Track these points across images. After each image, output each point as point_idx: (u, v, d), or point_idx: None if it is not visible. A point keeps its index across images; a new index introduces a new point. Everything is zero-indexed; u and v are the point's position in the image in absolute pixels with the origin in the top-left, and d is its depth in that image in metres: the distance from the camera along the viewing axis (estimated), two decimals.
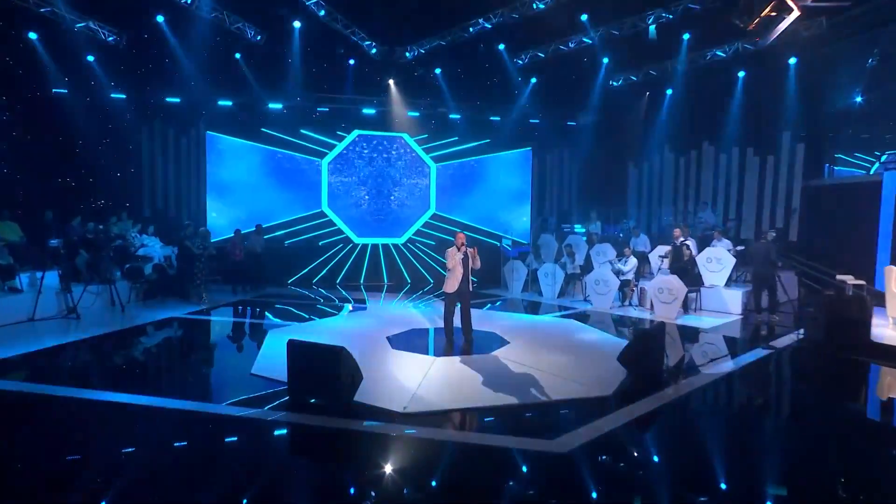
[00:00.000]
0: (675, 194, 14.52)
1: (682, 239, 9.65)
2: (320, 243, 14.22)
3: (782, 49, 11.19)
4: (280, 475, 3.58)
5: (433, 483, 3.42)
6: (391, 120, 14.80)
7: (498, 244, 13.86)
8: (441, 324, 7.18)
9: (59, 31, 10.52)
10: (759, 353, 6.83)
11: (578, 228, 14.13)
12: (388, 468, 3.58)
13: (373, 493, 3.28)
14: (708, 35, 11.77)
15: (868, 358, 6.34)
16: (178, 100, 13.06)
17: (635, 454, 4.03)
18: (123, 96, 12.48)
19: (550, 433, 4.13)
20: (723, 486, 3.47)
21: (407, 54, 13.53)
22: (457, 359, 6.20)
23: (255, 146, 13.87)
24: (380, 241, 14.64)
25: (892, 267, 7.58)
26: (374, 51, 13.35)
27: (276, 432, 4.28)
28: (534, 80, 14.32)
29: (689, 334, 7.93)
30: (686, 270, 9.35)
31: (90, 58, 11.49)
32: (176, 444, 4.05)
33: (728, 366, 6.33)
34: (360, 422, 4.31)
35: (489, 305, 10.43)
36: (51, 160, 11.71)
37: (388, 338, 7.16)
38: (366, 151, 14.81)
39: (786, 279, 9.66)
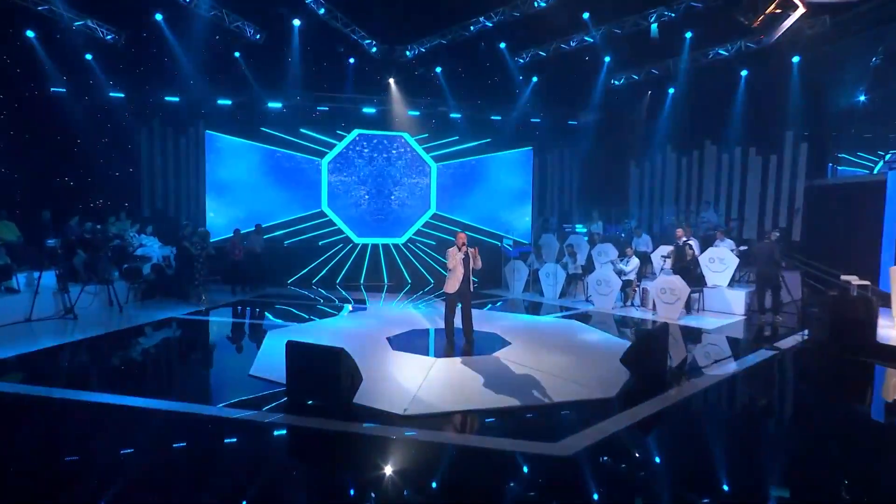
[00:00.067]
0: (677, 194, 14.44)
1: (684, 239, 9.57)
2: (320, 243, 14.16)
3: (785, 47, 11.11)
4: (278, 479, 3.52)
5: (434, 487, 3.36)
6: (391, 119, 14.73)
7: (499, 244, 13.78)
8: (442, 324, 7.11)
9: (57, 30, 10.46)
10: (764, 354, 6.75)
11: (579, 228, 14.05)
12: (388, 471, 3.52)
13: (373, 497, 3.22)
14: (710, 33, 11.70)
15: (874, 360, 6.26)
16: (177, 99, 13.01)
17: (640, 457, 3.96)
18: (122, 95, 12.42)
19: (553, 436, 4.06)
20: (730, 490, 3.40)
21: (407, 53, 13.47)
22: (458, 360, 6.13)
23: (255, 145, 13.81)
24: (380, 240, 14.57)
25: None
26: (374, 49, 13.29)
27: (274, 435, 4.21)
28: (535, 78, 14.25)
29: (693, 335, 7.85)
30: (689, 270, 9.27)
31: (88, 56, 11.43)
32: (172, 447, 3.98)
33: (732, 367, 6.25)
34: (360, 424, 4.25)
35: (489, 306, 10.36)
36: (49, 159, 11.66)
37: (388, 338, 7.10)
38: (366, 151, 14.74)
39: (789, 279, 9.56)
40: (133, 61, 12.14)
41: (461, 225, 14.49)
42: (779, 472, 3.74)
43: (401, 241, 14.84)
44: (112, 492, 3.22)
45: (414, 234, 15.06)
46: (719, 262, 9.62)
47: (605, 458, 3.82)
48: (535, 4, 11.18)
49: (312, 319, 8.78)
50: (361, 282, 13.90)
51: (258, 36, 12.17)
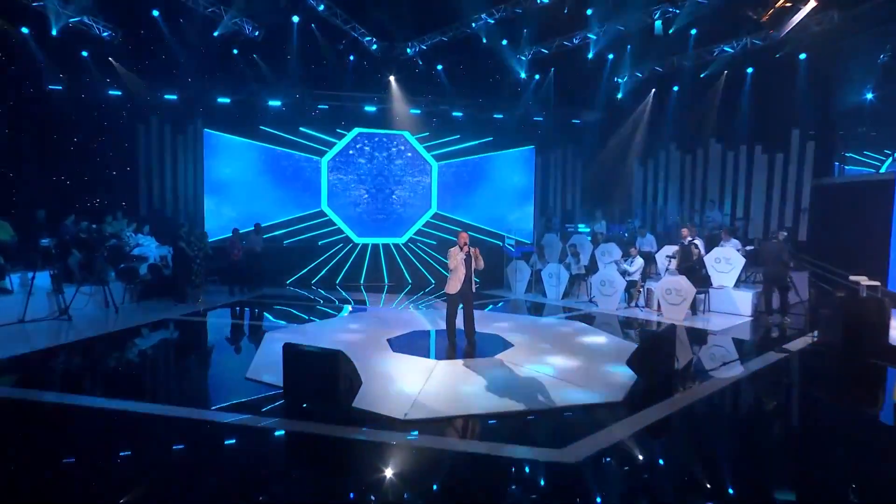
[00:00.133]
0: (682, 193, 14.29)
1: (689, 238, 9.41)
2: (320, 243, 14.02)
3: (792, 44, 10.95)
4: (274, 485, 3.39)
5: (436, 494, 3.25)
6: (392, 117, 14.60)
7: (500, 244, 13.63)
8: (443, 325, 6.98)
9: (52, 26, 10.30)
10: (773, 356, 6.59)
11: (582, 228, 13.91)
12: (388, 478, 3.41)
13: None
14: (716, 30, 11.53)
15: (887, 362, 6.10)
16: (175, 97, 12.87)
17: (649, 464, 3.80)
18: (119, 93, 12.27)
19: (559, 442, 3.94)
20: (744, 498, 3.27)
21: (408, 50, 13.32)
22: (459, 362, 6.02)
23: (254, 144, 13.67)
24: (380, 240, 14.43)
25: None
26: (374, 47, 13.15)
27: (271, 440, 4.09)
28: (537, 76, 14.09)
29: (699, 337, 7.71)
30: (694, 271, 9.11)
31: (85, 53, 11.29)
32: (163, 452, 3.85)
33: (741, 370, 6.10)
34: (359, 429, 4.13)
35: (490, 307, 10.22)
36: (45, 158, 11.52)
37: (388, 340, 6.98)
38: (367, 149, 14.59)
39: (796, 280, 9.44)
40: (130, 58, 11.98)
41: (462, 224, 14.34)
42: (793, 479, 3.62)
43: (401, 240, 14.69)
44: (103, 499, 3.13)
45: (415, 234, 14.92)
46: (725, 262, 9.47)
47: (613, 465, 3.69)
48: (538, 1, 11.03)
49: (312, 320, 8.65)
50: (361, 282, 13.75)
51: (257, 33, 12.03)
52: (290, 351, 4.62)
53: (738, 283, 9.52)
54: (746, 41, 11.67)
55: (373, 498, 3.19)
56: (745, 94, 12.54)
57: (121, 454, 3.79)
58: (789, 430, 4.69)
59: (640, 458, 3.87)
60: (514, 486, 3.41)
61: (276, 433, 4.17)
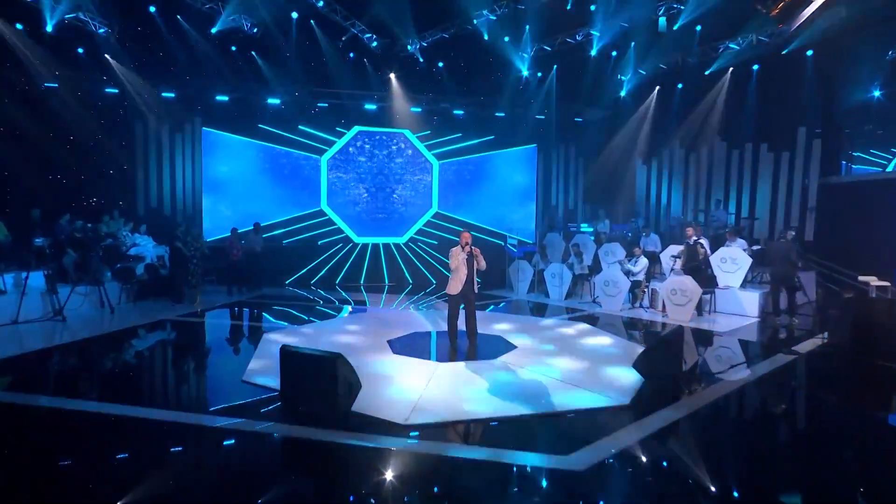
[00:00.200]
0: (686, 192, 14.14)
1: (695, 238, 9.25)
2: (319, 243, 13.87)
3: (798, 41, 10.78)
4: (269, 493, 3.25)
5: (438, 502, 3.17)
6: (392, 116, 14.46)
7: (502, 244, 13.48)
8: (444, 327, 6.85)
9: (47, 22, 10.16)
10: (782, 358, 6.43)
11: (584, 227, 13.76)
12: (388, 485, 3.31)
13: None
14: (721, 27, 11.37)
15: None
16: (172, 94, 12.73)
17: (659, 472, 3.66)
18: (116, 91, 12.13)
19: (565, 448, 3.81)
20: None
21: (409, 47, 13.16)
22: (461, 364, 5.91)
23: (253, 142, 13.53)
24: (380, 240, 14.28)
25: None
26: (374, 44, 13.00)
27: (266, 445, 3.97)
28: (539, 74, 13.94)
29: (706, 338, 7.56)
30: (700, 271, 8.96)
31: (80, 50, 11.14)
32: (154, 458, 3.70)
33: (750, 373, 5.95)
34: (359, 434, 4.01)
35: (492, 307, 10.07)
36: (40, 156, 11.38)
37: (388, 341, 6.87)
38: (367, 147, 14.45)
39: (804, 280, 9.27)
40: (127, 55, 11.83)
41: (464, 224, 14.19)
42: (807, 486, 3.50)
43: (402, 240, 14.55)
44: None
45: (415, 234, 14.77)
46: (731, 262, 9.31)
47: (622, 473, 3.56)
48: None
49: (311, 321, 8.52)
50: (361, 282, 13.60)
51: (255, 29, 11.88)
52: (288, 354, 4.51)
53: (745, 284, 9.36)
54: (752, 38, 11.51)
55: None
56: (751, 92, 12.39)
57: (110, 459, 3.68)
58: (802, 436, 4.54)
59: (650, 465, 3.73)
60: (518, 495, 3.29)
61: (272, 438, 4.05)
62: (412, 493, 3.24)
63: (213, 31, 11.41)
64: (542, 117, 15.28)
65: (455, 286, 6.44)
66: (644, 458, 3.79)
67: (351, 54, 13.27)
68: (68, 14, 10.25)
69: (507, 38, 12.69)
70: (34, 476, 3.42)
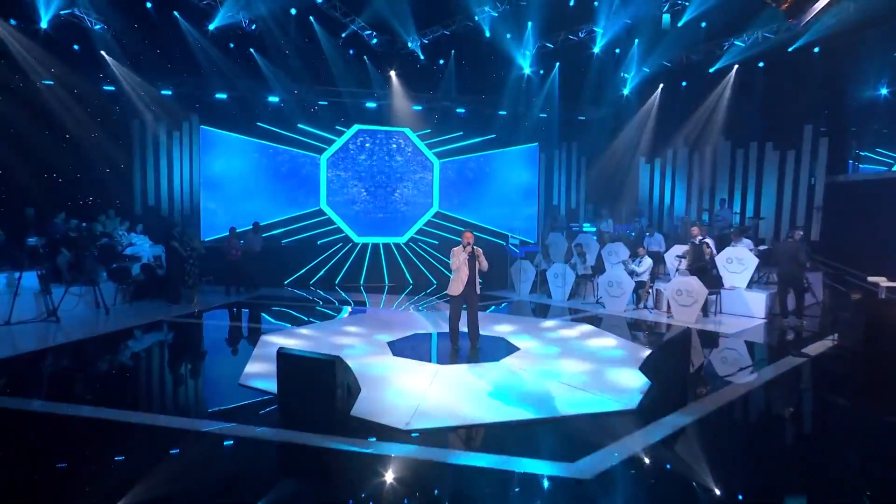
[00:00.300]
0: (690, 191, 13.99)
1: (700, 237, 9.10)
2: (318, 242, 13.73)
3: (805, 38, 10.63)
4: (265, 501, 3.14)
5: None
6: (393, 114, 14.32)
7: (504, 244, 13.33)
8: (445, 328, 6.73)
9: (42, 18, 10.00)
10: (792, 361, 6.28)
11: (587, 227, 13.61)
12: (389, 493, 3.22)
13: None
14: (726, 23, 11.21)
15: None
16: (170, 92, 12.58)
17: (669, 481, 3.51)
18: (112, 88, 11.97)
19: (571, 454, 3.70)
20: None
21: (409, 44, 13.00)
22: (463, 367, 5.81)
23: (251, 141, 13.39)
24: (381, 240, 14.13)
25: None
26: (374, 41, 12.85)
27: (262, 451, 3.84)
28: (542, 71, 13.80)
29: (713, 340, 7.41)
30: (706, 271, 8.80)
31: (76, 46, 10.99)
32: (145, 465, 3.54)
33: (761, 376, 5.79)
34: (358, 440, 3.90)
35: (493, 308, 9.93)
36: (35, 154, 11.22)
37: (388, 343, 6.76)
38: (368, 145, 14.30)
39: (811, 280, 9.12)
40: (124, 52, 11.68)
41: (464, 223, 14.03)
42: (823, 494, 3.37)
43: (402, 240, 14.40)
44: None
45: (416, 233, 14.62)
46: (737, 262, 9.16)
47: (630, 482, 3.43)
48: None
49: (310, 322, 8.39)
50: (361, 283, 13.46)
51: (254, 26, 11.73)
52: (285, 357, 4.39)
53: (751, 284, 9.21)
54: (758, 34, 11.35)
55: None
56: (756, 90, 12.23)
57: (101, 465, 3.55)
58: (817, 443, 4.38)
59: (659, 474, 3.61)
60: None
61: (269, 444, 3.92)
62: (413, 502, 3.13)
63: (211, 27, 11.27)
64: (545, 115, 15.13)
65: (456, 287, 6.33)
66: (653, 467, 3.66)
67: (351, 51, 13.13)
68: (63, 10, 10.11)
69: (508, 35, 12.54)
70: (24, 482, 3.33)
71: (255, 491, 3.27)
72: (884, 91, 11.11)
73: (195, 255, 9.58)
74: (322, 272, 13.30)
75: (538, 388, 5.07)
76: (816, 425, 4.84)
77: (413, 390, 4.94)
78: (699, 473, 3.58)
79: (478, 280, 6.48)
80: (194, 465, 3.65)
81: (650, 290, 9.58)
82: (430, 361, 6.03)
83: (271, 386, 4.67)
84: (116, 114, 12.28)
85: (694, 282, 8.51)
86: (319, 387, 4.15)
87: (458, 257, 6.27)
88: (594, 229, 13.14)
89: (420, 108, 14.34)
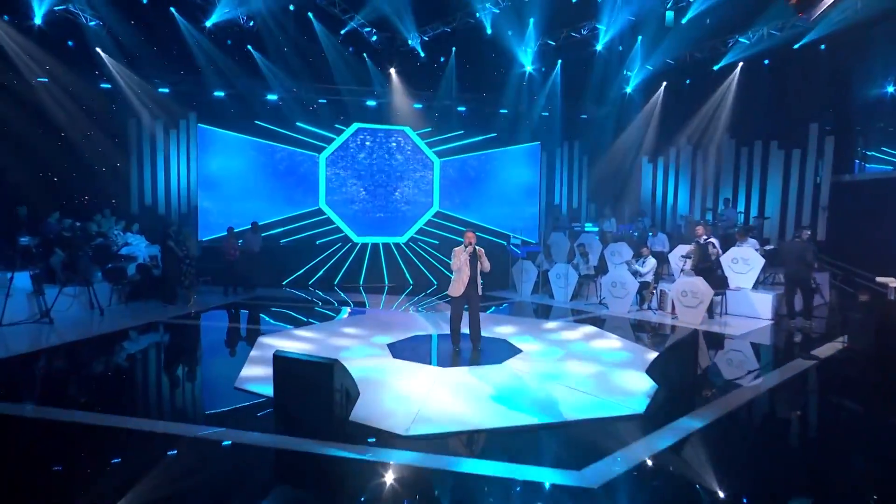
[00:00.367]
0: (693, 190, 13.86)
1: (705, 237, 8.95)
2: (318, 242, 13.59)
3: (811, 35, 10.49)
4: None
5: None
6: (393, 112, 14.19)
7: (505, 244, 13.19)
8: (446, 329, 6.60)
9: (36, 14, 9.85)
10: (801, 364, 6.14)
11: (589, 227, 13.47)
12: (388, 502, 3.13)
13: None
14: (731, 20, 11.08)
15: None
16: (167, 90, 12.44)
17: (680, 489, 3.36)
18: (108, 86, 11.83)
19: (577, 461, 3.57)
20: None
21: (409, 42, 12.86)
22: (465, 370, 5.68)
23: (250, 140, 13.26)
24: (380, 239, 14.00)
25: None
26: (374, 38, 12.71)
27: (258, 457, 3.74)
28: (544, 69, 13.66)
29: (719, 342, 7.28)
30: (711, 271, 8.66)
31: (70, 43, 10.84)
32: (140, 471, 3.40)
33: (770, 379, 5.66)
34: (357, 446, 3.78)
35: (494, 308, 9.80)
36: (28, 152, 11.07)
37: (388, 345, 6.62)
38: (368, 143, 14.16)
39: (818, 281, 8.97)
40: (120, 49, 11.53)
41: (465, 223, 13.89)
42: (837, 500, 3.27)
43: (402, 239, 14.27)
44: None
45: (416, 233, 14.49)
46: (743, 262, 9.01)
47: (639, 490, 3.30)
48: None
49: (309, 322, 8.27)
50: (361, 283, 13.32)
51: (252, 23, 11.59)
52: (281, 360, 4.27)
53: (757, 285, 9.07)
54: (763, 31, 11.21)
55: None
56: (761, 88, 12.08)
57: (92, 471, 3.43)
58: (829, 448, 4.23)
59: (669, 482, 3.47)
60: None
61: (264, 450, 3.82)
62: None
63: (208, 24, 11.13)
64: (546, 114, 15.00)
65: (457, 287, 6.22)
66: (663, 474, 3.54)
67: (350, 49, 13.00)
68: (58, 6, 9.96)
69: (510, 32, 12.41)
70: (15, 488, 3.24)
71: (250, 499, 3.17)
72: (890, 89, 10.98)
73: (191, 255, 9.44)
74: (321, 272, 13.16)
75: (542, 391, 4.93)
76: (829, 431, 4.69)
77: (413, 394, 4.81)
78: (710, 481, 3.44)
79: (479, 281, 6.37)
80: (187, 471, 3.53)
81: (654, 291, 9.44)
82: (430, 364, 5.90)
83: (268, 390, 4.56)
84: (112, 112, 12.13)
85: (699, 282, 8.37)
86: (317, 391, 4.04)
87: (460, 257, 6.15)
88: (597, 229, 13.00)
89: (420, 106, 14.21)
